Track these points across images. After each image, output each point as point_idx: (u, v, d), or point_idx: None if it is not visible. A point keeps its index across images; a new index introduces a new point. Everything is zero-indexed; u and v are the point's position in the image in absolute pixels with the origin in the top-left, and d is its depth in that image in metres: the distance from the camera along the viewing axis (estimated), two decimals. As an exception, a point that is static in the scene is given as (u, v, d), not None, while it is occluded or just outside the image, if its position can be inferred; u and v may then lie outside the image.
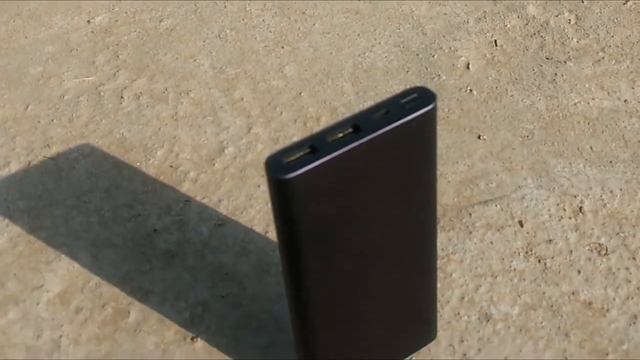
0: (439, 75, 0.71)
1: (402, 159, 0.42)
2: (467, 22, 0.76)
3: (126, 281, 0.57)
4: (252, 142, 0.66)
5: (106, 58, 0.75)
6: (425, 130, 0.42)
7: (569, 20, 0.76)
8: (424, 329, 0.51)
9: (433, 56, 0.73)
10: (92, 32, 0.78)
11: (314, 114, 0.68)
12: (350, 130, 0.41)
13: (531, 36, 0.74)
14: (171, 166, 0.65)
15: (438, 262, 0.55)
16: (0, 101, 0.71)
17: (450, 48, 0.73)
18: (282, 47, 0.75)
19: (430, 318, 0.51)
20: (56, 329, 0.55)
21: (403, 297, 0.48)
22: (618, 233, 0.58)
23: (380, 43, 0.75)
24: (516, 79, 0.70)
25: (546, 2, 0.78)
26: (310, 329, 0.46)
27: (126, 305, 0.56)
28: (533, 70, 0.71)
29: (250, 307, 0.55)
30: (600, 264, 0.56)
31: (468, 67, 0.72)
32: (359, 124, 0.41)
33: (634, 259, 0.56)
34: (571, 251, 0.57)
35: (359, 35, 0.76)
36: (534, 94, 0.69)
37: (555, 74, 0.70)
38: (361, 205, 0.42)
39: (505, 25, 0.76)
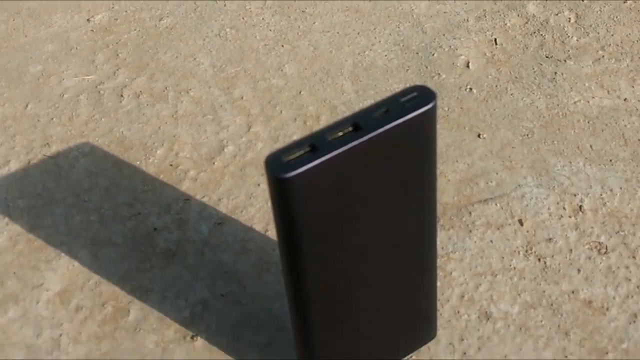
0: (439, 73, 0.71)
1: (402, 158, 0.42)
2: (467, 20, 0.76)
3: (126, 280, 0.57)
4: (252, 141, 0.66)
5: (106, 57, 0.75)
6: (425, 129, 0.42)
7: (569, 18, 0.76)
8: (423, 327, 0.51)
9: (433, 55, 0.73)
10: (92, 30, 0.78)
11: (314, 112, 0.68)
12: (350, 129, 0.41)
13: (531, 35, 0.74)
14: (171, 165, 0.65)
15: (438, 260, 0.55)
16: (0, 100, 0.71)
17: (450, 46, 0.73)
18: (282, 46, 0.75)
19: (430, 317, 0.51)
20: (56, 328, 0.55)
21: (403, 296, 0.48)
22: (618, 232, 0.58)
23: (380, 42, 0.75)
24: (516, 77, 0.70)
25: (546, 1, 0.77)
26: (310, 327, 0.46)
27: (126, 303, 0.56)
28: (533, 68, 0.71)
29: (250, 306, 0.55)
30: (600, 263, 0.56)
31: (468, 66, 0.72)
32: (358, 122, 0.41)
33: (633, 257, 0.56)
34: (571, 250, 0.57)
35: (358, 33, 0.76)
36: (533, 93, 0.69)
37: (555, 73, 0.70)
38: (361, 204, 0.42)
39: (505, 24, 0.76)
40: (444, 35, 0.75)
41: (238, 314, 0.55)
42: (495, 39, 0.74)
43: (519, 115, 0.67)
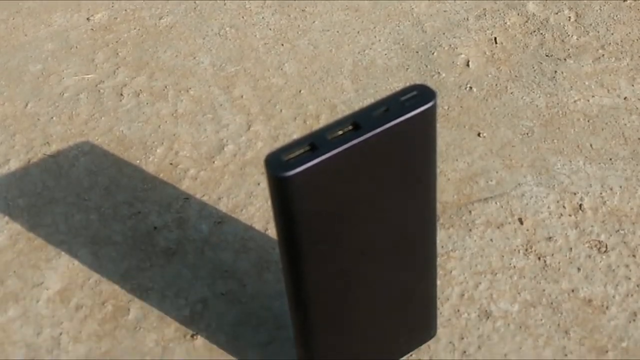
0: (439, 72, 0.71)
1: (402, 157, 0.42)
2: (467, 19, 0.76)
3: (126, 278, 0.57)
4: (251, 140, 0.66)
5: (106, 55, 0.75)
6: (425, 127, 0.42)
7: (569, 17, 0.76)
8: (423, 326, 0.51)
9: (433, 54, 0.73)
10: (92, 29, 0.78)
11: (314, 111, 0.68)
12: (350, 127, 0.41)
13: (531, 33, 0.74)
14: (171, 164, 0.65)
15: (438, 259, 0.55)
16: (0, 99, 0.71)
17: (450, 45, 0.73)
18: (282, 45, 0.75)
19: (430, 315, 0.51)
20: (56, 327, 0.55)
21: (403, 295, 0.48)
22: (618, 230, 0.58)
23: (380, 40, 0.75)
24: (516, 76, 0.70)
25: (546, 0, 0.77)
26: (310, 326, 0.46)
27: (126, 302, 0.56)
28: (533, 67, 0.71)
29: (250, 305, 0.55)
30: (600, 261, 0.56)
31: (468, 65, 0.72)
32: (358, 121, 0.41)
33: (633, 256, 0.56)
34: (571, 248, 0.57)
35: (358, 32, 0.76)
36: (533, 92, 0.69)
37: (555, 72, 0.70)
38: (361, 203, 0.42)
39: (505, 23, 0.76)
40: (444, 34, 0.75)
41: (238, 313, 0.55)
42: (495, 38, 0.74)
43: (519, 114, 0.67)
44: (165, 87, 0.71)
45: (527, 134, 0.65)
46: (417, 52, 0.73)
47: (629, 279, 0.55)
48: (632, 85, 0.69)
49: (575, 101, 0.68)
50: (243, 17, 0.78)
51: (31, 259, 0.59)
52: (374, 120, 0.41)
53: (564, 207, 0.60)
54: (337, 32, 0.76)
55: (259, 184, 0.63)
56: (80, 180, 0.64)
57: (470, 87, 0.69)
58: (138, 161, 0.65)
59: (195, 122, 0.68)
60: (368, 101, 0.69)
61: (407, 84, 0.69)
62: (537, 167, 0.63)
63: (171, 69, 0.73)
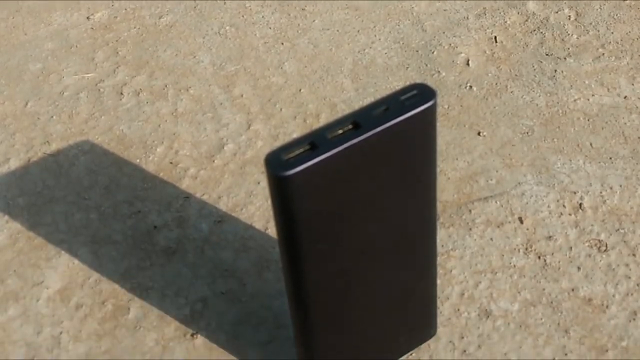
0: (439, 71, 0.71)
1: (402, 156, 0.42)
2: (467, 18, 0.76)
3: (126, 278, 0.57)
4: (251, 139, 0.66)
5: (106, 54, 0.75)
6: (425, 126, 0.42)
7: (569, 16, 0.76)
8: (423, 325, 0.51)
9: (433, 53, 0.73)
10: (92, 28, 0.78)
11: (314, 110, 0.68)
12: (350, 127, 0.41)
13: (531, 32, 0.74)
14: (171, 163, 0.65)
15: (438, 258, 0.55)
16: (0, 98, 0.71)
17: (450, 44, 0.73)
18: (282, 44, 0.75)
19: (430, 314, 0.51)
20: (56, 326, 0.55)
21: (403, 294, 0.48)
22: (618, 229, 0.58)
23: (380, 39, 0.74)
24: (516, 75, 0.70)
25: (546, -1, 0.78)
26: (310, 325, 0.46)
27: (126, 301, 0.56)
28: (533, 66, 0.71)
29: (250, 304, 0.55)
30: (600, 260, 0.56)
31: (468, 64, 0.72)
32: (358, 120, 0.41)
33: (633, 255, 0.56)
34: (571, 247, 0.57)
35: (358, 31, 0.76)
36: (533, 91, 0.69)
37: (555, 70, 0.70)
38: (361, 202, 0.42)
39: (505, 22, 0.76)
40: (444, 33, 0.75)
41: (238, 312, 0.55)
42: (495, 37, 0.74)
43: (519, 113, 0.67)
44: (165, 86, 0.71)
45: (527, 133, 0.65)
46: (417, 51, 0.73)
47: (629, 278, 0.55)
48: (632, 84, 0.69)
49: (575, 100, 0.68)
50: (243, 16, 0.78)
51: (31, 258, 0.59)
52: (374, 119, 0.41)
53: (564, 206, 0.60)
54: (337, 31, 0.76)
55: (259, 183, 0.63)
56: (80, 179, 0.64)
57: (470, 86, 0.69)
58: (138, 160, 0.65)
59: (195, 121, 0.68)
60: (368, 100, 0.69)
61: (407, 83, 0.69)
62: (537, 166, 0.63)
63: (171, 68, 0.73)
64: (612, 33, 0.74)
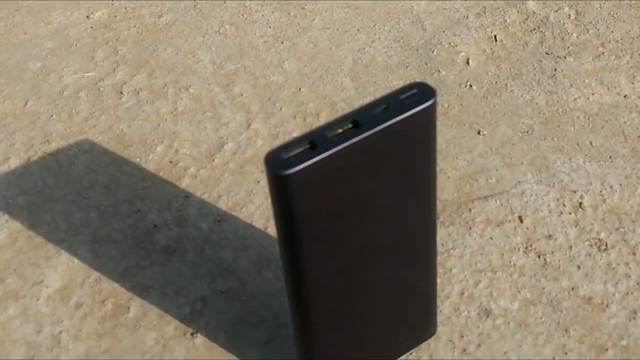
0: (439, 70, 0.71)
1: (402, 155, 0.42)
2: (467, 17, 0.76)
3: (126, 277, 0.57)
4: (251, 138, 0.66)
5: (105, 53, 0.75)
6: (425, 125, 0.42)
7: (569, 15, 0.76)
8: (423, 324, 0.51)
9: (433, 51, 0.73)
10: (92, 27, 0.78)
11: (314, 109, 0.68)
12: (350, 125, 0.41)
13: (531, 31, 0.74)
14: (171, 162, 0.65)
15: (438, 257, 0.55)
16: (0, 97, 0.71)
17: (450, 43, 0.73)
18: (282, 43, 0.75)
19: (430, 313, 0.51)
20: (56, 325, 0.55)
21: (403, 293, 0.48)
22: (618, 228, 0.58)
23: (379, 38, 0.74)
24: (516, 74, 0.70)
25: (546, -3, 0.78)
26: (310, 324, 0.46)
27: (126, 300, 0.56)
28: (533, 65, 0.71)
29: (250, 303, 0.55)
30: (600, 259, 0.56)
31: (468, 63, 0.72)
32: (358, 119, 0.41)
33: (633, 254, 0.56)
34: (571, 246, 0.57)
35: (358, 30, 0.76)
36: (533, 89, 0.69)
37: (555, 69, 0.70)
38: (361, 201, 0.42)
39: (505, 21, 0.76)
40: (443, 32, 0.75)
41: (238, 311, 0.55)
42: (495, 36, 0.74)
43: (519, 111, 0.67)
44: (165, 85, 0.71)
45: (527, 132, 0.65)
46: (417, 50, 0.73)
47: (629, 277, 0.55)
48: (632, 83, 0.69)
49: (575, 99, 0.68)
50: (243, 15, 0.78)
51: (31, 257, 0.59)
52: (373, 118, 0.41)
53: (564, 205, 0.60)
54: (337, 30, 0.76)
55: (258, 182, 0.63)
56: (80, 179, 0.64)
57: (470, 85, 0.69)
58: (138, 159, 0.65)
59: (195, 120, 0.68)
60: (368, 99, 0.69)
61: (407, 82, 0.69)
62: (537, 165, 0.63)
63: (171, 67, 0.73)
64: (612, 32, 0.74)
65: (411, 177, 0.43)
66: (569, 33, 0.74)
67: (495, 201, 0.60)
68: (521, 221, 0.59)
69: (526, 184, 0.61)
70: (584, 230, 0.58)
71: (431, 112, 0.42)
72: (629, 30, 0.74)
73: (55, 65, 0.74)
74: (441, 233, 0.58)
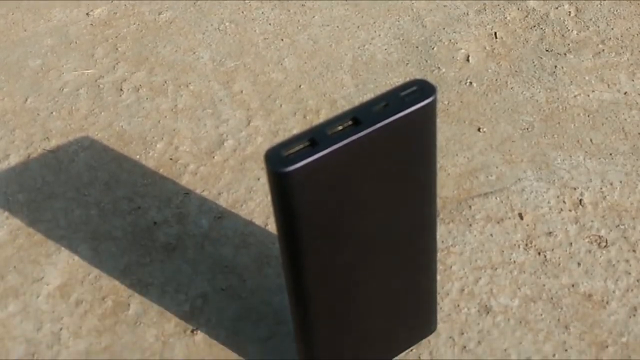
0: (439, 67, 0.71)
1: (402, 152, 0.42)
2: (467, 14, 0.76)
3: (126, 274, 0.57)
4: (251, 135, 0.66)
5: (105, 51, 0.75)
6: (425, 123, 0.42)
7: (569, 12, 0.76)
8: (423, 321, 0.51)
9: (433, 49, 0.73)
10: (91, 24, 0.78)
11: (314, 106, 0.68)
12: (350, 123, 0.41)
13: (531, 28, 0.74)
14: (171, 159, 0.65)
15: (438, 254, 0.55)
16: (0, 94, 0.71)
17: (450, 40, 0.73)
18: (282, 40, 0.75)
19: (430, 310, 0.51)
20: (56, 322, 0.55)
21: (403, 290, 0.48)
22: (618, 225, 0.58)
23: (379, 35, 0.74)
24: (516, 71, 0.70)
25: (546, -6, 0.77)
26: (310, 321, 0.46)
27: (126, 297, 0.56)
28: (533, 62, 0.71)
29: (250, 300, 0.55)
30: (600, 256, 0.56)
31: (468, 60, 0.72)
32: (358, 116, 0.41)
33: (633, 251, 0.56)
34: (571, 243, 0.57)
35: (358, 27, 0.76)
36: (533, 86, 0.69)
37: (555, 66, 0.70)
38: (361, 198, 0.42)
39: (505, 18, 0.75)
40: (444, 29, 0.75)
41: (238, 308, 0.55)
42: (495, 33, 0.74)
43: (519, 109, 0.67)
44: (165, 82, 0.71)
45: (527, 129, 0.65)
46: (417, 47, 0.73)
47: (629, 274, 0.55)
48: (632, 80, 0.69)
49: (575, 96, 0.68)
50: (243, 12, 0.78)
51: (31, 254, 0.59)
52: (373, 115, 0.41)
53: (564, 202, 0.60)
54: (337, 27, 0.76)
55: (259, 179, 0.63)
56: (80, 176, 0.64)
57: (470, 82, 0.69)
58: (138, 156, 0.65)
59: (195, 117, 0.68)
60: (368, 96, 0.69)
61: (407, 79, 0.69)
62: (537, 162, 0.63)
63: (171, 64, 0.73)
64: (612, 29, 0.73)
65: (411, 174, 0.43)
66: (569, 30, 0.74)
67: (496, 198, 0.60)
68: (521, 218, 0.59)
69: (526, 181, 0.61)
70: (584, 227, 0.58)
71: (431, 109, 0.42)
72: (629, 28, 0.74)
73: (55, 62, 0.74)
74: (441, 230, 0.58)
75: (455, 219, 0.59)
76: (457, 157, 0.63)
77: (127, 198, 0.62)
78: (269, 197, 0.61)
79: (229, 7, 0.79)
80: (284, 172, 0.39)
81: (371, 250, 0.45)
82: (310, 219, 0.41)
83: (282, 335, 0.53)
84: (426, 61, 0.72)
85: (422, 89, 0.42)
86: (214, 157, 0.64)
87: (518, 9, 0.76)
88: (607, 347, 0.51)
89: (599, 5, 0.76)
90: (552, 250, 0.57)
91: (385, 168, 0.42)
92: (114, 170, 0.64)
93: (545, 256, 0.56)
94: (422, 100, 0.41)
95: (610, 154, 0.63)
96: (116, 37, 0.76)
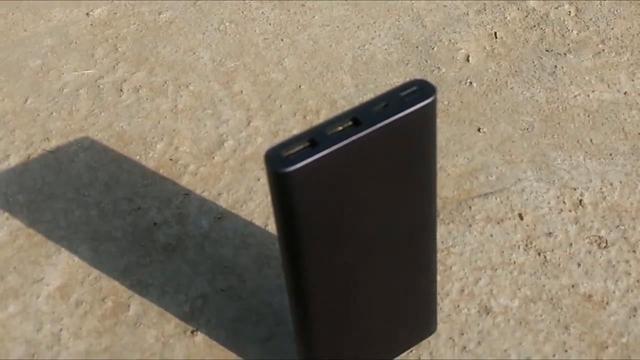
0: (439, 67, 0.71)
1: (402, 152, 0.42)
2: (467, 14, 0.76)
3: (126, 274, 0.57)
4: (251, 135, 0.66)
5: (105, 51, 0.75)
6: (425, 123, 0.42)
7: (569, 12, 0.76)
8: (423, 322, 0.51)
9: (433, 49, 0.73)
10: (91, 24, 0.78)
11: (314, 107, 0.68)
12: (350, 123, 0.41)
13: (531, 28, 0.74)
14: (171, 159, 0.65)
15: (438, 255, 0.55)
16: (0, 94, 0.71)
17: (450, 40, 0.73)
18: (282, 40, 0.75)
19: (430, 311, 0.51)
20: (56, 323, 0.55)
21: (403, 290, 0.48)
22: (618, 226, 0.58)
23: (380, 35, 0.74)
24: (516, 71, 0.70)
25: (546, -6, 0.77)
26: (310, 322, 0.46)
27: (126, 298, 0.56)
28: (533, 62, 0.71)
29: (250, 300, 0.55)
30: (600, 257, 0.56)
31: (468, 60, 0.71)
32: (358, 117, 0.41)
33: (633, 251, 0.56)
34: (571, 244, 0.57)
35: (358, 27, 0.76)
36: (533, 87, 0.69)
37: (555, 66, 0.70)
38: (361, 199, 0.42)
39: (505, 17, 0.75)
40: (444, 29, 0.75)
41: (238, 309, 0.55)
42: (495, 33, 0.74)
43: (519, 109, 0.67)
44: (165, 82, 0.71)
45: (527, 129, 0.65)
46: (417, 47, 0.73)
47: (629, 274, 0.55)
48: (632, 80, 0.69)
49: (575, 96, 0.68)
50: (243, 12, 0.78)
51: (31, 255, 0.59)
52: (373, 115, 0.41)
53: (564, 202, 0.60)
54: (337, 27, 0.76)
55: (259, 179, 0.63)
56: (80, 176, 0.64)
57: (470, 82, 0.69)
58: (138, 157, 0.65)
59: (195, 118, 0.68)
60: (368, 96, 0.69)
61: (407, 79, 0.69)
62: (537, 162, 0.62)
63: (171, 65, 0.73)
64: (612, 29, 0.73)
65: (411, 175, 0.43)
66: (569, 30, 0.74)
67: (495, 199, 0.60)
68: (521, 219, 0.59)
69: (526, 182, 0.61)
70: (584, 228, 0.58)
71: (431, 109, 0.42)
72: (629, 27, 0.74)
73: (55, 62, 0.74)
74: (441, 230, 0.58)
75: (455, 219, 0.59)
76: (457, 158, 0.63)
77: (127, 199, 0.62)
78: (269, 198, 0.61)
79: (229, 7, 0.79)
80: (284, 173, 0.39)
81: (371, 251, 0.45)
82: (310, 219, 0.41)
83: (282, 335, 0.53)
84: (426, 61, 0.72)
85: (422, 89, 0.42)
86: (214, 158, 0.64)
87: (518, 9, 0.76)
88: (607, 347, 0.51)
89: (599, 5, 0.76)
90: (552, 250, 0.57)
91: (385, 168, 0.42)
92: (114, 171, 0.64)
93: (545, 257, 0.56)
94: (422, 101, 0.41)
95: (610, 154, 0.63)
96: (116, 37, 0.76)
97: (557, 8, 0.76)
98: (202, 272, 0.57)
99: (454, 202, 0.60)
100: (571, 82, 0.69)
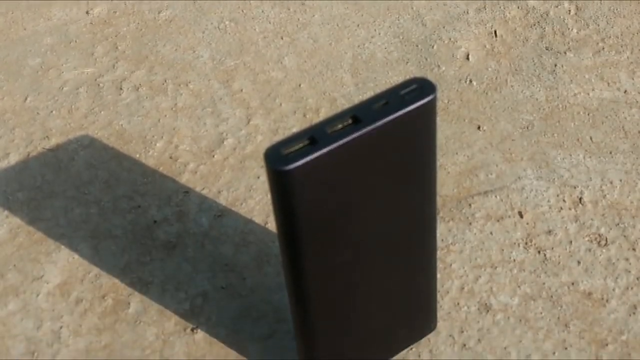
0: (439, 66, 0.71)
1: (401, 150, 0.42)
2: (467, 12, 0.76)
3: (126, 272, 0.57)
4: (251, 134, 0.66)
5: (105, 49, 0.75)
6: (425, 121, 0.42)
7: (569, 10, 0.76)
8: (423, 319, 0.51)
9: (433, 47, 0.73)
10: (91, 23, 0.78)
11: (314, 105, 0.68)
12: (350, 121, 0.41)
13: (531, 27, 0.74)
14: (171, 157, 0.65)
15: (438, 252, 0.55)
16: (0, 93, 0.71)
17: (450, 39, 0.73)
18: (282, 38, 0.75)
19: (430, 308, 0.51)
20: (56, 320, 0.55)
21: (403, 288, 0.48)
22: (618, 224, 0.58)
23: (379, 34, 0.74)
24: (516, 69, 0.70)
25: (546, -7, 0.77)
26: (310, 320, 0.46)
27: (126, 296, 0.56)
28: (533, 61, 0.71)
29: (250, 298, 0.55)
30: (600, 255, 0.56)
31: (468, 58, 0.72)
32: (358, 115, 0.41)
33: (633, 249, 0.56)
34: (571, 242, 0.57)
35: (358, 26, 0.76)
36: (533, 85, 0.69)
37: (555, 65, 0.70)
38: (361, 197, 0.42)
39: (505, 16, 0.75)
40: (443, 27, 0.75)
41: (238, 306, 0.55)
42: (495, 31, 0.74)
43: (519, 107, 0.67)
44: (165, 81, 0.71)
45: (527, 127, 0.65)
46: (417, 45, 0.73)
47: (629, 272, 0.55)
48: (632, 79, 0.69)
49: (575, 94, 0.68)
50: (242, 11, 0.78)
51: (31, 252, 0.59)
52: (373, 113, 0.41)
53: (564, 200, 0.60)
54: (337, 25, 0.76)
55: (258, 177, 0.63)
56: (79, 174, 0.64)
57: (470, 81, 0.69)
58: (138, 155, 0.65)
59: (194, 116, 0.68)
60: (368, 95, 0.69)
61: (407, 78, 0.69)
62: (537, 160, 0.63)
63: (171, 63, 0.73)
64: (612, 27, 0.73)
65: (411, 173, 0.43)
66: (569, 28, 0.74)
67: (495, 196, 0.60)
68: (521, 216, 0.59)
69: (526, 180, 0.61)
70: (584, 226, 0.58)
71: (431, 107, 0.42)
72: (629, 26, 0.74)
73: (55, 61, 0.74)
74: (441, 228, 0.58)
75: (455, 217, 0.59)
76: (457, 156, 0.63)
77: (127, 196, 0.62)
78: (269, 196, 0.61)
79: (229, 6, 0.79)
80: (284, 171, 0.39)
81: (371, 249, 0.45)
82: (310, 217, 0.41)
83: (282, 333, 0.53)
84: (426, 59, 0.72)
85: (422, 87, 0.42)
86: (213, 156, 0.64)
87: (518, 7, 0.76)
88: (607, 345, 0.51)
89: (599, 4, 0.76)
90: (552, 248, 0.57)
91: (385, 166, 0.42)
92: (114, 169, 0.64)
93: (545, 254, 0.56)
94: (422, 99, 0.41)
95: (610, 153, 0.63)
96: (116, 35, 0.76)
97: (557, 6, 0.76)
98: (202, 270, 0.57)
99: (454, 200, 0.60)
100: (571, 80, 0.69)
